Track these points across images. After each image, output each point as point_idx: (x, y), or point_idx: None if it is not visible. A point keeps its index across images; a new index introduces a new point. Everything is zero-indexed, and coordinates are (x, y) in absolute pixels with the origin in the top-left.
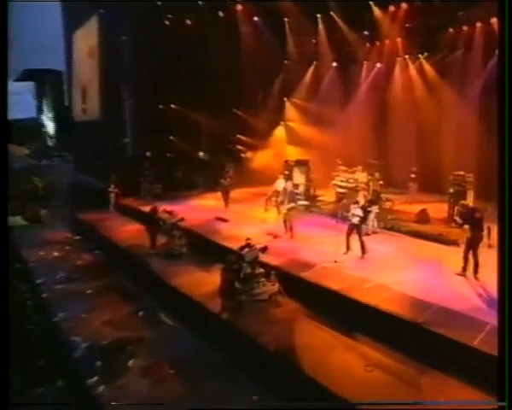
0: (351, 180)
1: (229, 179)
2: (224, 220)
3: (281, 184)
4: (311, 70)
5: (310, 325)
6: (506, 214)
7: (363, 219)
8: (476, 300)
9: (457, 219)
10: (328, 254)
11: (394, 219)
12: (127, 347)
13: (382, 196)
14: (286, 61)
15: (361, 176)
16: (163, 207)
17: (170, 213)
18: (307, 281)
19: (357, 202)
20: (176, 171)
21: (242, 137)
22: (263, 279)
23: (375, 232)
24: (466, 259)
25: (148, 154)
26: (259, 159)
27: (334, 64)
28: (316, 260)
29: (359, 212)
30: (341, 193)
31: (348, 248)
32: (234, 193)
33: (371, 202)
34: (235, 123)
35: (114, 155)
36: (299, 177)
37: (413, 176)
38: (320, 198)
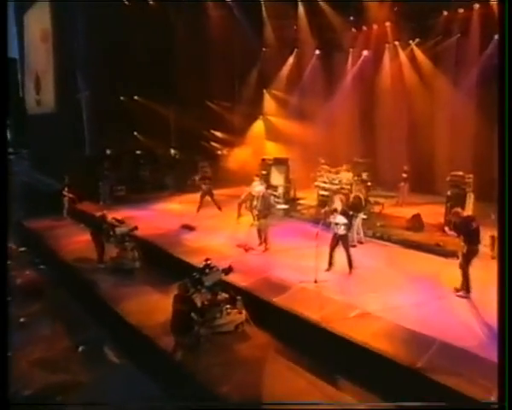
0: (335, 181)
1: (208, 181)
2: (191, 228)
3: (256, 186)
4: (291, 58)
5: (282, 365)
6: (506, 214)
7: (350, 227)
8: (478, 329)
9: (447, 229)
10: (307, 270)
11: (384, 225)
12: (56, 397)
13: (371, 198)
14: (264, 49)
15: (346, 176)
16: (122, 212)
17: (121, 221)
18: (281, 308)
19: (335, 210)
20: (142, 170)
21: (217, 133)
22: (227, 307)
23: (360, 242)
24: (466, 276)
25: (108, 151)
26: (235, 157)
27: (317, 52)
28: (293, 278)
29: (342, 219)
30: (324, 196)
31: (331, 263)
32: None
33: (354, 207)
34: (208, 117)
35: (69, 154)
36: (277, 177)
37: (404, 175)
38: (301, 201)
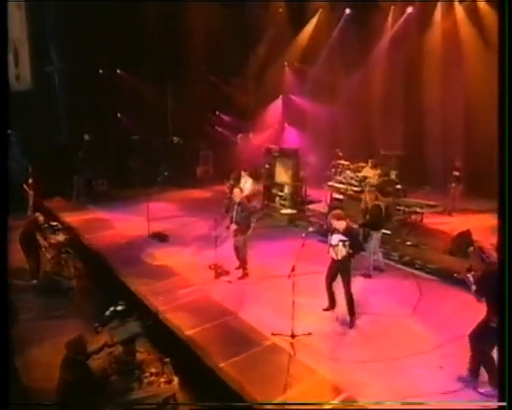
0: (354, 181)
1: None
2: (162, 238)
3: (243, 184)
4: (314, 21)
5: None
6: (506, 215)
7: (353, 254)
8: None
9: (470, 277)
10: (296, 311)
11: (418, 245)
12: None
13: (401, 206)
14: (280, 10)
15: (371, 175)
16: (95, 212)
17: (57, 226)
18: (228, 380)
19: (335, 230)
20: (130, 161)
21: (224, 116)
22: (151, 372)
23: (380, 269)
24: None
25: (86, 137)
26: (247, 145)
27: (348, 11)
28: (267, 326)
29: (341, 247)
30: (339, 200)
31: (332, 300)
32: (202, 192)
33: (371, 221)
34: (213, 96)
35: (39, 139)
36: (283, 173)
37: (456, 174)
38: (311, 206)
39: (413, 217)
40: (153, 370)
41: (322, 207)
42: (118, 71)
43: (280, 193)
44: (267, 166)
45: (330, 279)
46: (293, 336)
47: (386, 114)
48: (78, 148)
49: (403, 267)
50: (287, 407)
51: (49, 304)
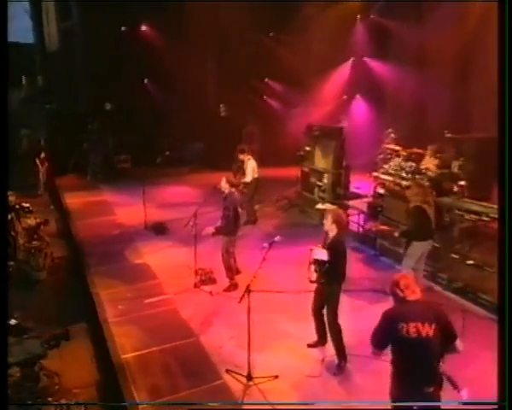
0: (404, 173)
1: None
2: (161, 230)
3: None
4: None
5: None
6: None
7: (332, 277)
8: None
9: None
10: (273, 342)
11: (482, 267)
12: None
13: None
14: None
15: (431, 165)
16: (108, 194)
17: (29, 208)
18: None
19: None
20: (159, 135)
21: (274, 84)
22: (61, 405)
23: (430, 289)
24: None
25: (108, 106)
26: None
27: None
28: (238, 357)
29: (322, 254)
30: (382, 196)
31: (320, 334)
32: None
33: (410, 230)
34: (261, 59)
35: (54, 107)
36: (323, 158)
37: None
38: (353, 202)
39: (480, 225)
40: (63, 401)
41: (363, 205)
42: (143, 27)
43: (319, 183)
44: (307, 148)
45: (317, 306)
46: (249, 377)
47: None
48: (96, 119)
49: (451, 296)
50: (288, 406)
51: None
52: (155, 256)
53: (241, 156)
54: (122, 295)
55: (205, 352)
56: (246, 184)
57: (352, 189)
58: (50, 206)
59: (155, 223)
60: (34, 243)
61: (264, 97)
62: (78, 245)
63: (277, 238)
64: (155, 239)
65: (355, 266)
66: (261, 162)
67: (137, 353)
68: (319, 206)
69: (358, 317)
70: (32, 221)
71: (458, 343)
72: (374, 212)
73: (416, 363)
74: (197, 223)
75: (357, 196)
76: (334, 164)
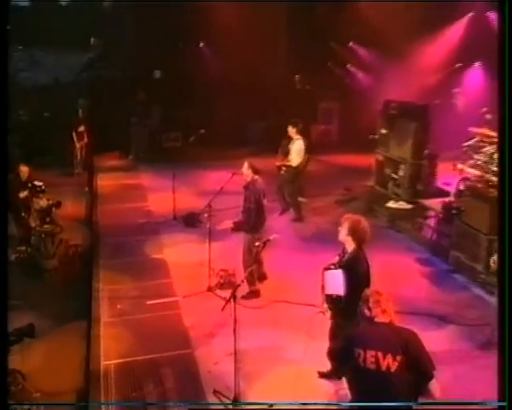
0: (496, 167)
1: None
2: (190, 223)
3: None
4: None
5: None
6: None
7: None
8: None
9: None
10: (288, 367)
11: None
12: None
13: None
14: None
15: None
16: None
17: (40, 187)
18: None
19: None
20: (217, 108)
21: (359, 49)
22: None
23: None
24: None
25: (156, 74)
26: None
27: None
28: (229, 377)
29: (336, 278)
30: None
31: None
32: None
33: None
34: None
35: (96, 74)
36: (399, 145)
37: None
38: (429, 201)
39: None
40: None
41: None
42: None
43: (393, 175)
44: (383, 130)
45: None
46: (235, 401)
47: None
48: (141, 88)
49: None
50: (289, 406)
51: (13, 287)
52: (177, 251)
53: (290, 132)
54: (126, 292)
55: (195, 367)
56: (288, 168)
57: (440, 185)
58: (85, 188)
59: (188, 213)
60: (46, 226)
61: (348, 66)
62: (95, 233)
63: (274, 236)
64: (182, 232)
65: (418, 284)
66: (338, 147)
67: (121, 360)
68: (390, 204)
69: None
70: (43, 202)
71: (433, 386)
72: (449, 215)
73: (373, 402)
74: (213, 215)
75: (445, 195)
76: (413, 152)
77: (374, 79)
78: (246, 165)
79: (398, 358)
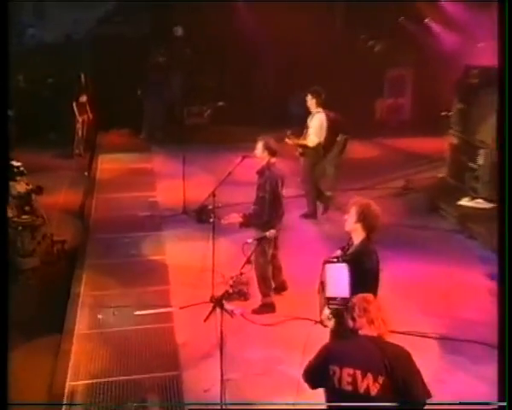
0: None
1: None
2: (203, 219)
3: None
4: None
5: None
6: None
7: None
8: None
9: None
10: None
11: None
12: None
13: None
14: None
15: None
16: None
17: (20, 168)
18: None
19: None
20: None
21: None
22: None
23: None
24: None
25: (178, 31)
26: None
27: None
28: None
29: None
30: None
31: None
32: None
33: None
34: None
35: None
36: (476, 125)
37: None
38: None
39: None
40: None
41: None
42: None
43: (471, 164)
44: (458, 105)
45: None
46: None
47: None
48: (159, 48)
49: None
50: (289, 406)
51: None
52: (181, 252)
53: (309, 103)
54: (112, 300)
55: (180, 394)
56: (306, 150)
57: None
58: (85, 172)
59: (201, 206)
60: (24, 217)
61: (426, 21)
62: (87, 227)
63: (270, 233)
64: (192, 229)
65: (483, 304)
66: (408, 127)
67: (90, 381)
68: (464, 201)
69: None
70: (21, 187)
71: None
72: None
73: None
74: (220, 207)
75: None
76: (498, 134)
77: (461, 38)
78: (260, 145)
79: (380, 379)
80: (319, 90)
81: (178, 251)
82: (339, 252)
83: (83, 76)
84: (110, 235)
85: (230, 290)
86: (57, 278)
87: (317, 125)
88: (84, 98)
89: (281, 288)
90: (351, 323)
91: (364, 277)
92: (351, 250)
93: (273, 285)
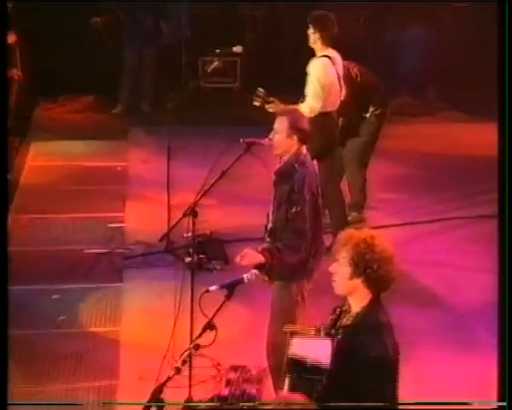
0: None
1: None
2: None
3: None
4: None
5: None
6: (506, 214)
7: None
8: None
9: None
10: None
11: None
12: None
13: None
14: None
15: None
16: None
17: None
18: None
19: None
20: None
21: None
22: None
23: None
24: None
25: None
26: None
27: None
28: None
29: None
30: None
31: None
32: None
33: None
34: None
35: None
36: None
37: None
38: None
39: None
40: None
41: None
42: None
43: None
44: None
45: None
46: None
47: None
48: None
49: None
50: (289, 406)
51: None
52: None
53: (312, 40)
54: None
55: None
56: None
57: None
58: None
59: (203, 236)
60: None
61: None
62: None
63: (251, 274)
64: (178, 278)
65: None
66: None
67: None
68: None
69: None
70: None
71: None
72: None
73: None
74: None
75: None
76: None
77: None
78: (282, 123)
79: None
80: (327, 18)
81: (142, 320)
82: (329, 318)
83: (10, 7)
84: (30, 286)
85: (232, 389)
86: None
87: (317, 78)
88: (12, 38)
89: None
90: None
91: (366, 371)
92: (345, 321)
93: None
